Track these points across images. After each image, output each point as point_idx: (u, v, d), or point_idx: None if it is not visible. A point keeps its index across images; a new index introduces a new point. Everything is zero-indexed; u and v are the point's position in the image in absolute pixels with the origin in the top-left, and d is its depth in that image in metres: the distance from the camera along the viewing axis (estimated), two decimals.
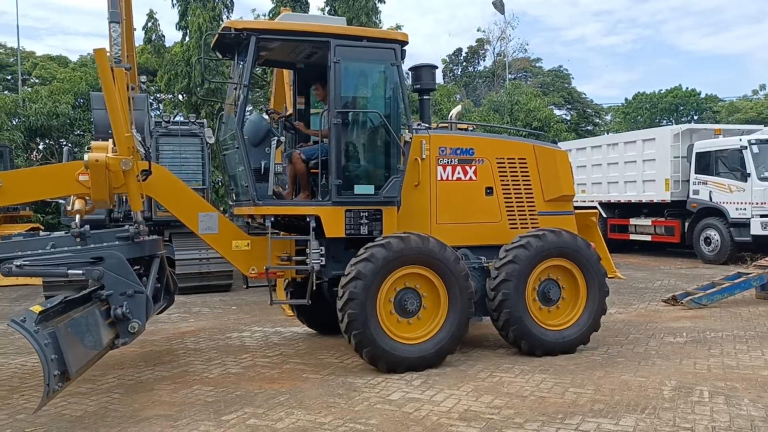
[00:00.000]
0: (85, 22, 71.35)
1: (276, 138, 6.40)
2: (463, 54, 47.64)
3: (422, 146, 6.79)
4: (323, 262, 6.36)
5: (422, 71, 7.53)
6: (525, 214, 7.31)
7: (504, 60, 43.59)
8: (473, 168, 7.07)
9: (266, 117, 6.84)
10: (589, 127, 41.16)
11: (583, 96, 44.32)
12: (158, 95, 23.93)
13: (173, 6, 17.53)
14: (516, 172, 7.28)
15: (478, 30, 57.87)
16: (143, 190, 6.05)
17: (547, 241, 6.60)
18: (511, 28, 57.64)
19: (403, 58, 6.68)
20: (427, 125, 7.18)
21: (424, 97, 7.55)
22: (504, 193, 7.21)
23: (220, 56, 6.81)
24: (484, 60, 47.72)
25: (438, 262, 6.15)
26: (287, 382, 5.87)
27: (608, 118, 47.65)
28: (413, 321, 6.21)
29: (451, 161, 6.98)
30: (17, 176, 5.85)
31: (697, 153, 16.07)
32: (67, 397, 5.48)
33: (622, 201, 18.42)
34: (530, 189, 7.33)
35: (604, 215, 18.73)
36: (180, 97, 20.17)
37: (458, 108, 9.12)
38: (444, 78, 44.89)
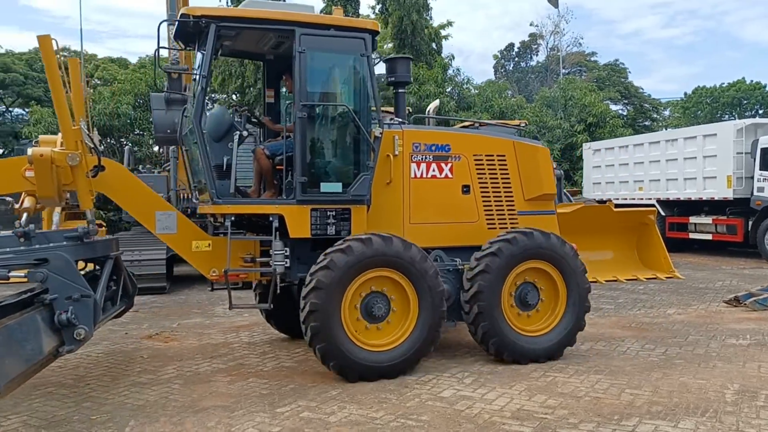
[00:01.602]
0: (144, 25, 71.95)
1: (239, 132, 6.05)
2: (515, 49, 47.09)
3: (395, 142, 6.45)
4: (287, 264, 6.02)
5: (397, 63, 7.19)
6: (504, 214, 6.99)
7: (557, 54, 43.10)
8: (449, 165, 6.75)
9: (230, 111, 6.48)
10: (646, 123, 40.31)
11: (641, 91, 43.28)
12: (213, 95, 23.76)
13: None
14: (495, 169, 6.96)
15: (530, 24, 57.36)
16: (95, 187, 5.70)
17: (518, 245, 6.28)
18: (565, 22, 57.05)
19: (374, 48, 6.34)
20: (400, 120, 6.84)
21: (399, 90, 7.20)
22: (482, 192, 6.88)
23: (182, 46, 6.46)
24: (536, 55, 47.31)
25: (403, 263, 5.82)
26: (339, 377, 5.78)
27: (666, 113, 46.62)
28: (383, 326, 5.89)
29: (426, 158, 6.65)
30: None
31: (762, 149, 15.48)
32: (130, 387, 5.75)
33: (682, 199, 17.85)
34: (509, 187, 7.01)
35: (663, 213, 18.10)
36: (234, 97, 19.94)
37: (436, 102, 8.81)
38: (495, 73, 44.51)
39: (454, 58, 31.96)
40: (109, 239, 6.04)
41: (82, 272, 5.77)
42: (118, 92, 21.42)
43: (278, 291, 6.06)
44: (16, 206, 5.74)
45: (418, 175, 6.62)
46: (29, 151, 5.26)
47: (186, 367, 6.46)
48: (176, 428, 4.72)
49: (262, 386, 5.73)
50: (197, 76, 5.91)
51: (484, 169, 6.90)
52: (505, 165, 7.00)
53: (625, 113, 39.82)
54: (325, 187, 6.05)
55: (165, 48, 6.24)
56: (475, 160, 6.86)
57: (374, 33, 6.26)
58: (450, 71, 28.13)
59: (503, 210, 6.98)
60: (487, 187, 6.91)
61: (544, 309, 6.57)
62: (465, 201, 6.82)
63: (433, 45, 27.88)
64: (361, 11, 28.13)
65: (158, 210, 5.99)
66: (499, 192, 6.96)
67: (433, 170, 6.68)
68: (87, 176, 5.47)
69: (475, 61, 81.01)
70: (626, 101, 42.16)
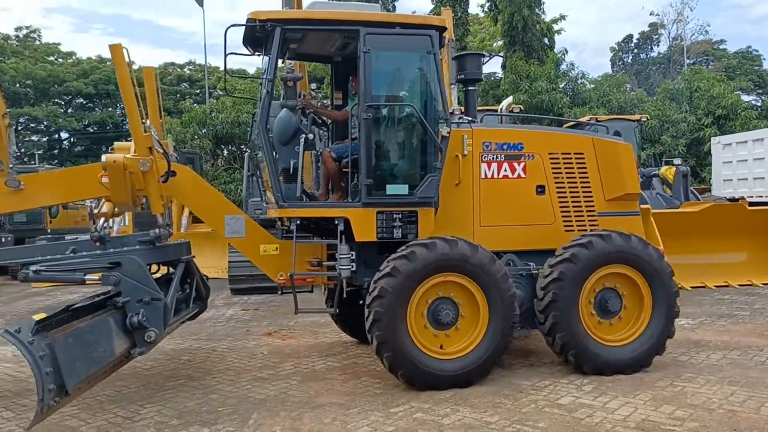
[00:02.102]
0: None
1: (304, 135, 6.01)
2: (634, 40, 45.58)
3: (464, 141, 6.22)
4: (353, 268, 5.92)
5: (467, 60, 6.95)
6: (582, 216, 6.58)
7: (681, 44, 41.29)
8: (522, 164, 6.43)
9: (296, 113, 6.45)
10: None
11: None
12: (325, 101, 24.63)
13: None
14: (572, 168, 6.56)
15: (651, 14, 55.22)
16: (167, 192, 5.81)
17: (595, 249, 5.88)
18: (689, 9, 54.44)
19: (441, 45, 6.13)
20: (470, 119, 6.59)
21: (469, 88, 6.95)
22: (558, 192, 6.51)
23: (250, 51, 6.49)
24: (657, 46, 45.50)
25: (470, 267, 5.58)
26: None
27: None
28: (451, 333, 5.66)
29: (497, 157, 6.36)
30: (39, 179, 5.75)
31: None
32: (252, 381, 6.01)
33: None
34: (588, 187, 6.59)
35: None
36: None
37: (509, 100, 8.46)
38: (612, 67, 43.29)
39: (567, 52, 31.13)
40: (180, 243, 6.15)
41: (156, 276, 5.93)
42: (239, 102, 22.34)
43: (344, 295, 5.98)
44: (95, 211, 5.94)
45: (489, 176, 6.34)
46: (104, 158, 5.42)
47: (303, 364, 6.69)
48: (295, 423, 4.88)
49: (375, 385, 5.81)
50: (263, 81, 5.91)
51: (560, 168, 6.52)
52: (584, 163, 6.60)
53: (759, 104, 36.66)
54: (391, 189, 5.89)
55: (238, 54, 6.24)
56: (551, 158, 6.50)
57: (441, 29, 6.05)
58: (563, 66, 27.36)
59: (582, 211, 6.58)
60: (564, 188, 6.53)
61: (628, 316, 6.13)
62: (539, 202, 6.48)
63: (545, 40, 27.29)
64: (470, 10, 27.97)
65: (227, 214, 6.04)
66: (577, 192, 6.56)
67: (505, 170, 6.39)
68: (158, 181, 5.58)
69: (589, 54, 77.64)
70: (760, 91, 38.99)
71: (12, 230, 18.31)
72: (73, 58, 44.92)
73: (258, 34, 5.99)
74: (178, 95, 41.04)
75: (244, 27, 5.96)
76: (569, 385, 5.63)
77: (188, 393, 5.71)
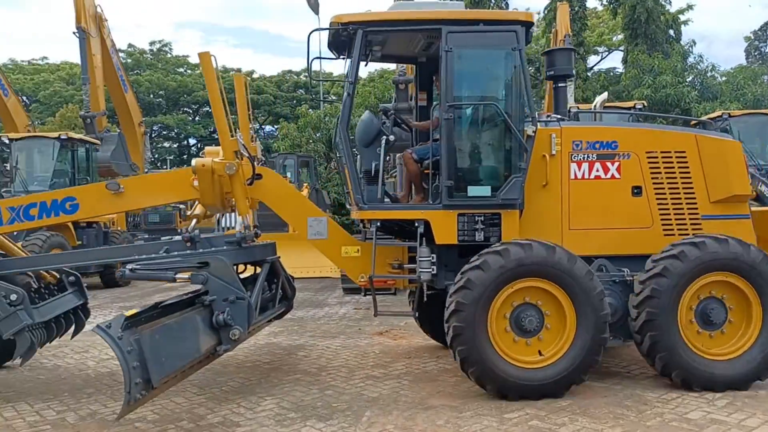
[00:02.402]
0: None
1: (385, 137, 5.98)
2: None
3: (551, 140, 5.94)
4: (434, 271, 5.81)
5: (557, 55, 6.66)
6: (684, 219, 6.10)
7: None
8: (616, 164, 6.05)
9: (378, 115, 6.45)
10: None
11: None
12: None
13: None
14: (672, 168, 6.10)
15: None
16: (253, 195, 5.98)
17: (688, 260, 5.43)
18: None
19: (527, 41, 5.90)
20: (559, 116, 6.30)
21: (559, 84, 6.65)
22: (657, 194, 6.07)
23: (335, 55, 6.56)
24: None
25: (565, 277, 5.30)
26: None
27: None
28: (532, 342, 5.42)
29: (588, 156, 6.03)
30: (137, 182, 6.09)
31: None
32: (365, 380, 6.09)
33: None
34: (691, 188, 6.10)
35: None
36: None
37: (603, 96, 8.00)
38: (747, 58, 40.82)
39: (695, 44, 29.35)
40: (266, 244, 6.31)
41: (244, 275, 6.12)
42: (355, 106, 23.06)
43: (425, 299, 5.89)
44: (188, 212, 6.22)
45: (579, 176, 6.02)
46: (194, 162, 5.66)
47: (414, 364, 6.71)
48: (408, 423, 4.89)
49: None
50: (345, 84, 5.94)
51: (659, 167, 6.08)
52: (686, 163, 6.11)
53: None
54: (473, 190, 5.74)
55: (324, 58, 6.33)
56: (649, 157, 6.08)
57: (527, 24, 5.83)
58: (690, 59, 25.80)
59: (683, 214, 6.10)
60: (664, 189, 6.08)
61: (735, 326, 5.62)
62: (636, 204, 6.07)
63: (671, 32, 25.92)
64: (588, 4, 27.11)
65: (310, 216, 6.13)
66: (678, 194, 6.09)
67: (597, 170, 6.04)
68: (244, 184, 5.75)
69: (720, 46, 72.00)
70: None
71: (147, 230, 19.80)
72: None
73: (343, 37, 6.03)
74: (295, 101, 42.76)
75: (329, 31, 6.03)
76: (699, 399, 5.26)
77: (305, 388, 5.89)
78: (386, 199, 6.29)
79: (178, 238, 6.01)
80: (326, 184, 22.26)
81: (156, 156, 44.38)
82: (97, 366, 6.87)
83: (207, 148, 5.99)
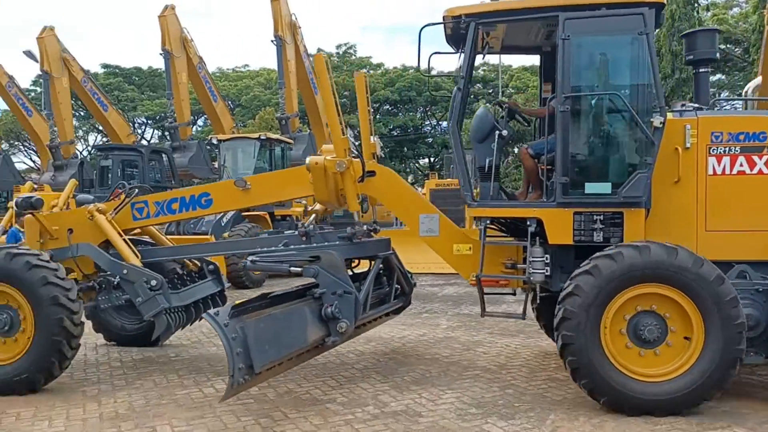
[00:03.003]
0: None
1: (498, 132, 5.78)
2: None
3: (686, 132, 5.37)
4: (547, 272, 5.51)
5: (698, 37, 5.99)
6: None
7: None
8: (765, 158, 5.33)
9: (492, 109, 6.25)
10: None
11: None
12: None
13: None
14: None
15: None
16: (365, 191, 6.09)
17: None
18: None
19: (658, 24, 5.38)
20: (696, 106, 5.66)
21: (700, 70, 5.98)
22: None
23: (455, 49, 6.45)
24: None
25: (690, 282, 4.77)
26: None
27: None
28: (652, 353, 4.94)
29: (731, 150, 5.36)
30: (261, 180, 6.46)
31: None
32: (547, 381, 5.95)
33: None
34: None
35: None
36: None
37: (757, 80, 7.04)
38: None
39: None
40: (380, 240, 6.39)
41: (358, 271, 6.26)
42: (531, 98, 22.77)
43: (537, 301, 5.61)
44: (309, 208, 6.48)
45: (719, 172, 5.38)
46: (307, 159, 5.89)
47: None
48: (596, 430, 4.69)
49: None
50: (457, 78, 5.83)
51: None
52: None
53: None
54: (591, 187, 5.35)
55: (442, 53, 6.27)
56: None
57: (658, 6, 5.30)
58: None
59: None
60: None
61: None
62: None
63: None
64: None
65: (422, 213, 6.10)
66: None
67: (741, 165, 5.36)
68: (355, 181, 5.87)
69: None
70: None
71: (332, 223, 21.27)
72: (381, 68, 49.80)
73: (462, 30, 5.91)
74: (471, 96, 43.25)
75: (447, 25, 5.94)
76: None
77: (485, 384, 5.87)
78: (502, 196, 6.09)
79: (293, 232, 6.30)
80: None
81: None
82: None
83: (323, 146, 6.20)
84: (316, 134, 22.27)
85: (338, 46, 50.41)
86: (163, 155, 19.51)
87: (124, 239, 6.41)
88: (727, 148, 5.37)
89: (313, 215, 6.38)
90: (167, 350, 7.42)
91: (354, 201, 5.89)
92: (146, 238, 7.30)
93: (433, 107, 44.12)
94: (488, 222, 5.70)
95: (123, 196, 6.65)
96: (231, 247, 6.93)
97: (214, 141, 16.81)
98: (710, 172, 5.39)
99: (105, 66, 48.68)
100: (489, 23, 5.72)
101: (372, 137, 6.25)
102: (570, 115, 5.35)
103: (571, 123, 5.38)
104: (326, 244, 5.92)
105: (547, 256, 5.52)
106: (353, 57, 50.34)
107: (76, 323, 5.58)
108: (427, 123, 47.77)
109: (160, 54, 21.83)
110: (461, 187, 5.72)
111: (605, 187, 5.33)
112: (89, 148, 45.94)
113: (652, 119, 5.22)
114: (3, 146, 34.32)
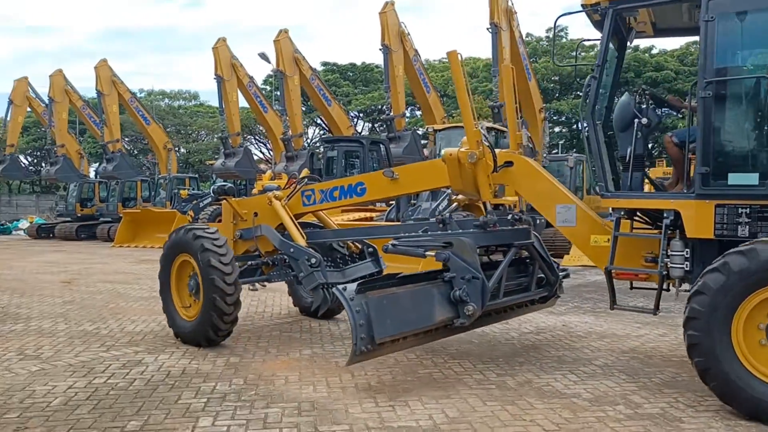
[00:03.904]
0: None
1: (637, 120, 5.57)
2: None
3: None
4: (687, 267, 5.22)
5: None
6: None
7: None
8: None
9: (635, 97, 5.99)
10: None
11: None
12: None
13: None
14: None
15: None
16: (502, 181, 6.26)
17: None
18: None
19: None
20: None
21: None
22: None
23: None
24: None
25: None
26: None
27: None
28: None
29: None
30: (407, 171, 6.93)
31: None
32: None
33: None
34: None
35: None
36: None
37: None
38: None
39: None
40: (518, 229, 6.51)
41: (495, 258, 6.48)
42: None
43: (677, 297, 5.33)
44: (453, 197, 6.82)
45: None
46: (443, 151, 6.22)
47: None
48: None
49: None
50: (594, 66, 5.73)
51: None
52: None
53: None
54: (734, 178, 4.96)
55: (590, 40, 6.21)
56: None
57: None
58: None
59: None
60: None
61: None
62: None
63: None
64: None
65: (559, 203, 6.10)
66: None
67: None
68: (487, 171, 6.07)
69: None
70: None
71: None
72: (594, 50, 48.33)
73: (600, 17, 5.80)
74: (624, 84, 40.33)
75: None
76: None
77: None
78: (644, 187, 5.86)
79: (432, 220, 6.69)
80: None
81: (549, 141, 46.46)
82: (521, 338, 7.47)
83: (463, 139, 6.46)
84: (528, 120, 21.89)
85: (548, 30, 49.25)
86: (381, 146, 20.65)
87: (293, 222, 7.37)
88: None
89: (455, 203, 6.70)
90: None
91: (486, 190, 6.11)
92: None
93: (655, 88, 41.17)
94: (622, 213, 5.55)
95: (294, 185, 7.63)
96: (382, 232, 7.54)
97: (430, 130, 17.52)
98: None
99: (324, 63, 53.26)
100: (628, 9, 5.53)
101: (477, 123, 6.24)
102: (713, 101, 4.99)
103: (714, 109, 5.02)
104: (460, 231, 6.23)
105: (687, 250, 5.24)
106: (563, 40, 48.71)
107: (228, 282, 6.57)
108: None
109: (380, 49, 23.05)
110: (597, 177, 5.64)
111: (752, 178, 4.90)
112: (307, 141, 50.86)
113: None
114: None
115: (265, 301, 9.96)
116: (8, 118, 33.06)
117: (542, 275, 6.89)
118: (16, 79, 33.52)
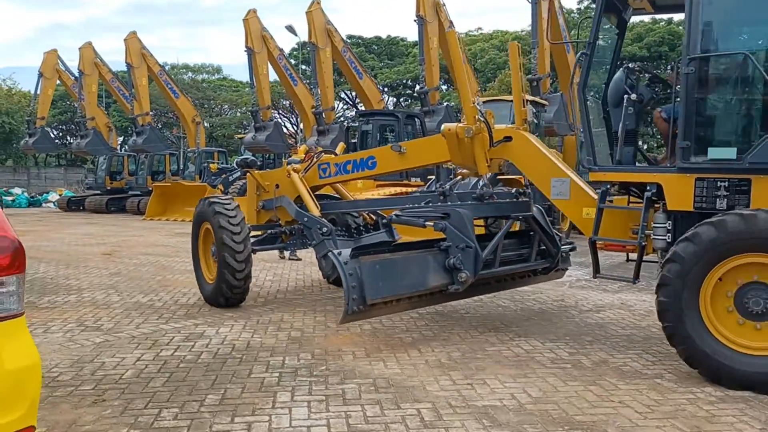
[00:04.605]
0: None
1: (627, 96, 5.73)
2: None
3: None
4: (669, 239, 5.41)
5: None
6: None
7: None
8: None
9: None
10: None
11: None
12: None
13: None
14: None
15: None
16: (500, 155, 6.53)
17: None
18: None
19: None
20: None
21: None
22: None
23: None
24: None
25: None
26: None
27: None
28: (762, 326, 4.64)
29: None
30: (413, 145, 7.25)
31: None
32: None
33: None
34: None
35: None
36: None
37: None
38: None
39: None
40: (517, 201, 6.76)
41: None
42: None
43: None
44: (457, 171, 7.12)
45: None
46: (442, 126, 6.52)
47: None
48: None
49: None
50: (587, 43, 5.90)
51: None
52: None
53: None
54: (714, 152, 5.10)
55: (589, 18, 6.36)
56: None
57: None
58: None
59: None
60: None
61: None
62: None
63: None
64: None
65: (554, 176, 6.33)
66: None
67: None
68: (484, 146, 6.34)
69: None
70: None
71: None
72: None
73: None
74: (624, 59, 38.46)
75: None
76: None
77: None
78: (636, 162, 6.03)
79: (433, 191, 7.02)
80: None
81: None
82: (581, 315, 7.38)
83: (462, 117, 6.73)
84: (567, 93, 21.59)
85: (579, 1, 47.82)
86: (416, 119, 20.59)
87: (309, 193, 7.83)
88: None
89: (459, 177, 7.01)
90: (456, 306, 7.62)
91: (483, 164, 6.38)
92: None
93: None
94: (608, 186, 5.75)
95: (312, 158, 8.08)
96: (391, 203, 7.91)
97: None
98: None
99: (350, 37, 52.70)
100: None
101: (474, 99, 6.51)
102: (695, 77, 5.13)
103: (696, 86, 5.15)
104: (459, 203, 6.54)
105: (669, 222, 5.42)
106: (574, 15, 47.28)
107: (236, 241, 7.14)
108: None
109: (414, 21, 22.78)
110: (583, 151, 5.85)
111: (730, 152, 5.04)
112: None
113: None
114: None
115: (311, 275, 10.05)
116: (38, 91, 33.40)
117: (543, 247, 7.15)
118: (45, 51, 33.23)
